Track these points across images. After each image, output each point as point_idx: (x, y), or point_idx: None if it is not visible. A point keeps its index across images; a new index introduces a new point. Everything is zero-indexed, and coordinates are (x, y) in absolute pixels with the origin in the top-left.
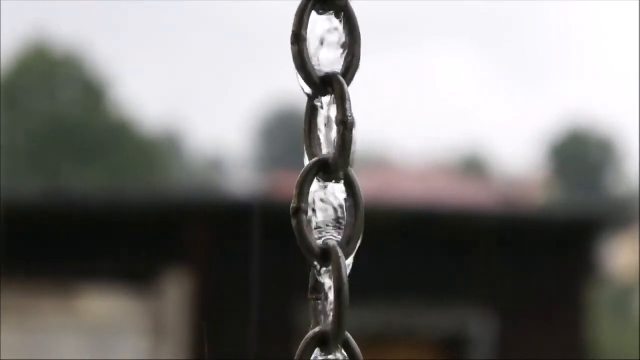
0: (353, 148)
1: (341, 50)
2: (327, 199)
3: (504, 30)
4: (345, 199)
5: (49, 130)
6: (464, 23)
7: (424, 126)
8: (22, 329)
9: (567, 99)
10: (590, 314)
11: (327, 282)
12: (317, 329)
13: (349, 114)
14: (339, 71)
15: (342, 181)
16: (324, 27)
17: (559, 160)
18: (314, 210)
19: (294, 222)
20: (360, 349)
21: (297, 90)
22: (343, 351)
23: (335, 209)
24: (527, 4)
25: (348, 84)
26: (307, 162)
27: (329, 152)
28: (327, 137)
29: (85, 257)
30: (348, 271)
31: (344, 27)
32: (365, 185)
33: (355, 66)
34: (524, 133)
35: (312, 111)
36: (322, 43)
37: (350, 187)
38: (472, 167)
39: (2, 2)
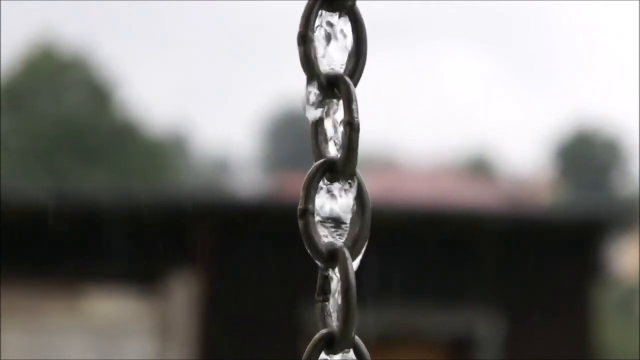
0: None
1: (348, 51)
2: (333, 200)
3: (511, 31)
4: (352, 200)
5: (55, 131)
6: (470, 24)
7: (431, 127)
8: (28, 329)
9: (573, 100)
10: (596, 314)
11: (334, 283)
12: (324, 330)
13: (356, 115)
14: (346, 72)
15: (349, 182)
16: (330, 27)
17: (566, 161)
18: (320, 212)
19: (300, 224)
20: (368, 350)
21: (304, 90)
22: (351, 352)
23: (341, 210)
24: (534, 4)
25: (355, 85)
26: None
27: (335, 153)
28: (333, 138)
29: (91, 258)
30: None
31: (351, 28)
32: (373, 186)
33: (362, 67)
34: (530, 134)
35: (318, 112)
36: (328, 44)
37: (357, 188)
38: (479, 168)
39: (8, 3)
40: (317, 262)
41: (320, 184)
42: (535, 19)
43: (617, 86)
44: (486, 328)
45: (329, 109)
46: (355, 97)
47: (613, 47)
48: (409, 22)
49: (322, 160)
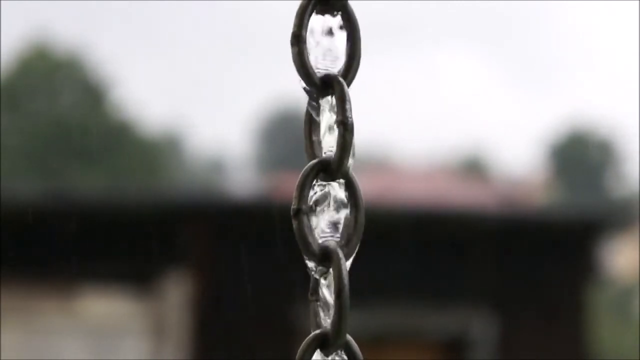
0: (353, 149)
1: (341, 51)
2: (327, 200)
3: (506, 32)
4: (346, 200)
5: (49, 131)
6: (470, 24)
7: (426, 127)
8: (23, 330)
9: (567, 101)
10: (591, 315)
11: (328, 283)
12: (317, 331)
13: (349, 115)
14: (339, 72)
15: (342, 182)
16: (324, 28)
17: (560, 161)
18: (314, 212)
19: (294, 224)
20: (361, 351)
21: (298, 91)
22: (343, 352)
23: (335, 210)
24: (534, 5)
25: (348, 85)
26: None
27: (329, 153)
28: (327, 138)
29: (86, 258)
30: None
31: (345, 28)
32: (368, 186)
33: (356, 67)
34: (525, 134)
35: (312, 112)
36: (322, 44)
37: (350, 188)
38: (474, 169)
39: (3, 2)
40: (310, 262)
41: (314, 183)
42: (535, 19)
43: (613, 87)
44: (481, 328)
45: (322, 109)
46: (349, 97)
47: (611, 48)
48: (409, 22)
49: (315, 160)
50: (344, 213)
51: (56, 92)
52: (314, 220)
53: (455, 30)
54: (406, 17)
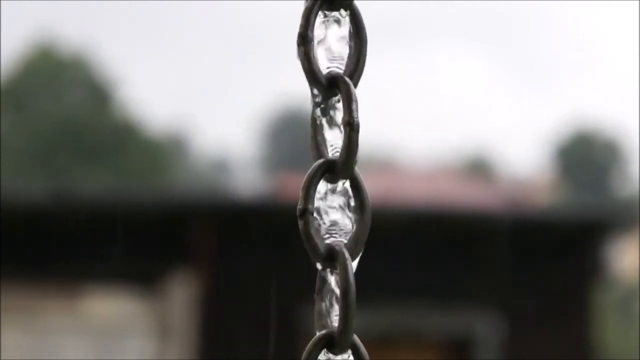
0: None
1: (347, 51)
2: (333, 200)
3: (511, 32)
4: (352, 200)
5: (54, 131)
6: (470, 24)
7: (431, 128)
8: (27, 330)
9: (573, 101)
10: (595, 315)
11: (334, 283)
12: (323, 331)
13: (356, 115)
14: (346, 72)
15: (348, 182)
16: (330, 28)
17: (565, 162)
18: (320, 212)
19: (300, 224)
20: (367, 351)
21: (303, 91)
22: (350, 353)
23: (341, 211)
24: (534, 4)
25: (354, 85)
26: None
27: (335, 153)
28: (333, 138)
29: (90, 258)
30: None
31: (351, 28)
32: (372, 186)
33: (362, 67)
34: (530, 135)
35: (318, 112)
36: (328, 44)
37: (356, 188)
38: (479, 169)
39: (8, 2)
40: (316, 262)
41: (320, 183)
42: (535, 19)
43: (616, 87)
44: (485, 328)
45: (328, 109)
46: (356, 97)
47: (613, 47)
48: (409, 22)
49: (321, 161)
50: (350, 213)
51: (61, 92)
52: (319, 220)
53: (455, 30)
54: (406, 17)
